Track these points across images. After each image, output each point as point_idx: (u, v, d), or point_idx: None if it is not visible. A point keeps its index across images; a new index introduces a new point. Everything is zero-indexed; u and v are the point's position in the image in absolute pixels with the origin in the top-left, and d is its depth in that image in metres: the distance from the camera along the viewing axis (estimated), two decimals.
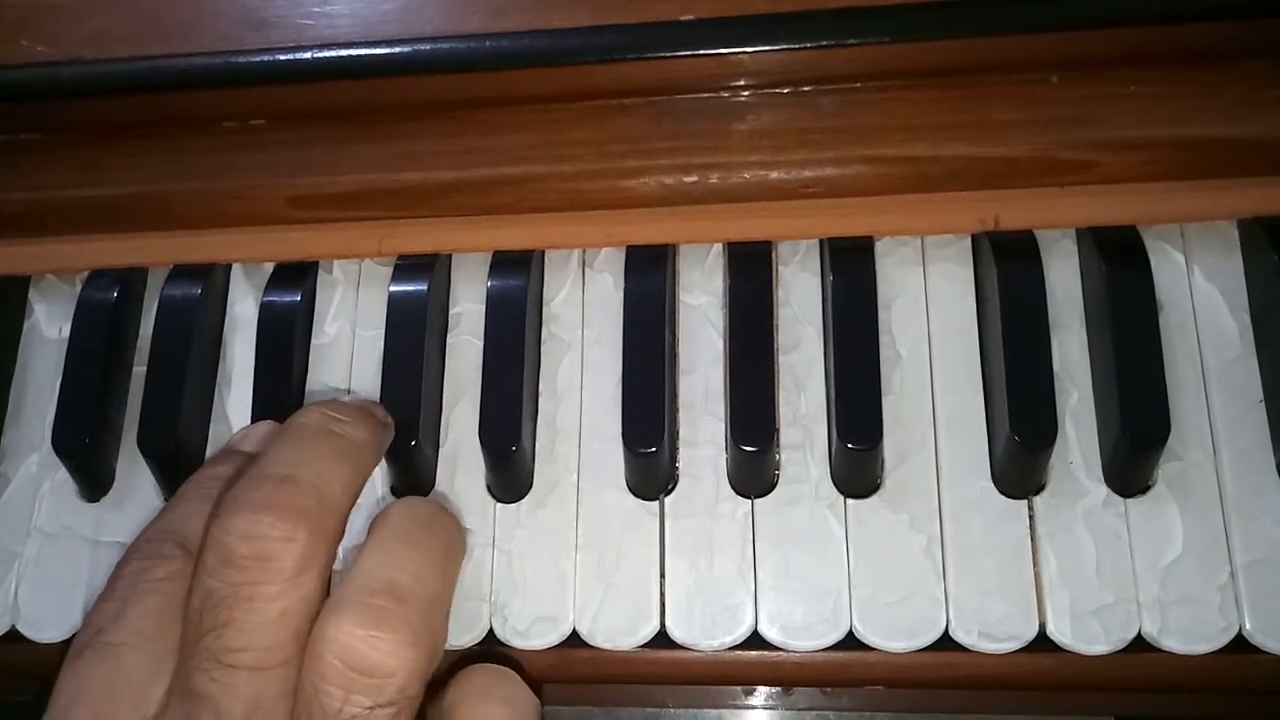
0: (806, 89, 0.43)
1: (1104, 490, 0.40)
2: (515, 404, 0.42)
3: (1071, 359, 0.41)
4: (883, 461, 0.41)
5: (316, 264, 0.47)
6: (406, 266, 0.45)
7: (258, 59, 0.43)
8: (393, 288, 0.45)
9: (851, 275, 0.43)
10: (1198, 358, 0.41)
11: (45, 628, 0.43)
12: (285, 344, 0.45)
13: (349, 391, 0.45)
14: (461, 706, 0.35)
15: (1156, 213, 0.42)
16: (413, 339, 0.44)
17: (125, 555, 0.37)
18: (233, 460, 0.40)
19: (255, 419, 0.44)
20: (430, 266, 0.45)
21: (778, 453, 0.42)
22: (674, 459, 0.42)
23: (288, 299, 0.46)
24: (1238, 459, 0.40)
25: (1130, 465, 0.39)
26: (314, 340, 0.46)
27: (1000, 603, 0.39)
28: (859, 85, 0.43)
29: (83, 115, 0.47)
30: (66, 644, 0.42)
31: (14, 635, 0.43)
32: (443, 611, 0.36)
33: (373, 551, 0.35)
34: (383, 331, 0.45)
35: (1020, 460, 0.39)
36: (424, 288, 0.44)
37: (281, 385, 0.45)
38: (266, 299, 0.46)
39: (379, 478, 0.43)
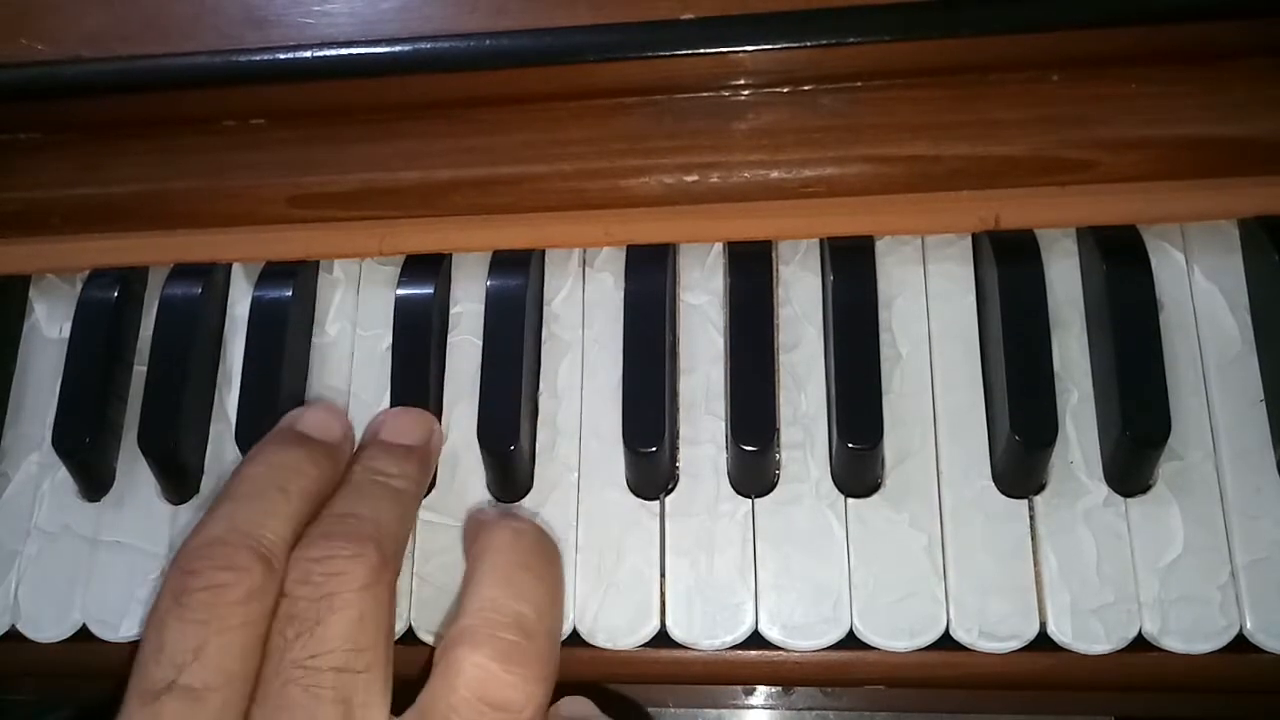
0: (807, 88, 0.43)
1: (1104, 489, 0.40)
2: (514, 403, 0.42)
3: (1072, 358, 0.41)
4: (883, 461, 0.41)
5: (315, 263, 0.47)
6: (411, 268, 0.45)
7: (258, 58, 0.43)
8: (399, 291, 0.45)
9: (852, 274, 0.43)
10: (1198, 357, 0.41)
11: (45, 627, 0.43)
12: (274, 342, 0.45)
13: (349, 392, 0.45)
14: None
15: (1157, 212, 0.42)
16: (419, 342, 0.44)
17: (191, 554, 0.34)
18: (300, 445, 0.39)
19: (242, 418, 0.44)
20: (435, 267, 0.45)
21: (778, 452, 0.42)
22: (674, 458, 0.42)
23: (277, 295, 0.45)
24: (1238, 458, 0.40)
25: (1131, 465, 0.39)
26: (315, 340, 0.46)
27: (1001, 602, 0.39)
28: (859, 84, 0.43)
29: (83, 114, 0.47)
30: (66, 644, 0.43)
31: (14, 635, 0.43)
32: (559, 642, 0.37)
33: (497, 581, 0.36)
34: (384, 331, 0.45)
35: (1021, 459, 0.39)
36: (429, 290, 0.44)
37: (268, 383, 0.44)
38: (255, 295, 0.46)
39: None
